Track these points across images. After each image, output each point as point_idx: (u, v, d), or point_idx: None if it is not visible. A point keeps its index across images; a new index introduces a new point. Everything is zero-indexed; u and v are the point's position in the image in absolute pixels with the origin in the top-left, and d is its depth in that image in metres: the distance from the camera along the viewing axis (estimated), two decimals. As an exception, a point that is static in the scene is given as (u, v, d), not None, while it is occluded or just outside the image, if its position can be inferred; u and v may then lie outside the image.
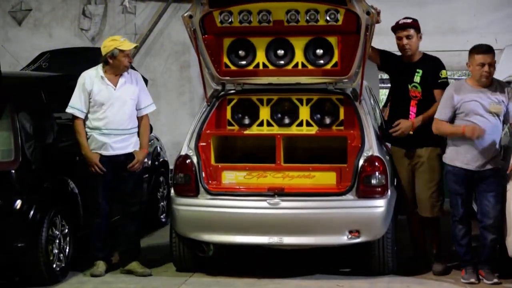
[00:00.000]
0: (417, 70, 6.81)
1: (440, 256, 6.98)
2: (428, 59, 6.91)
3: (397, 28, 6.81)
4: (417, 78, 6.80)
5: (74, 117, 6.78)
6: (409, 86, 6.82)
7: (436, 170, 6.80)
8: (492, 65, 6.45)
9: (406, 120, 6.79)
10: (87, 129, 6.77)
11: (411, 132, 6.75)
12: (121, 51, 6.75)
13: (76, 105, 6.76)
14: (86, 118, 6.78)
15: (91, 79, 6.78)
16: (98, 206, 6.79)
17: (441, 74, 6.81)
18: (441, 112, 6.52)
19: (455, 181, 6.57)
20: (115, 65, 6.78)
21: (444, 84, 6.75)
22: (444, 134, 6.60)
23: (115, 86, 6.80)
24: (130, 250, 7.03)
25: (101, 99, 6.74)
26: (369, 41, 6.61)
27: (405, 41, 6.77)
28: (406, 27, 6.78)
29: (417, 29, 6.82)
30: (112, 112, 6.75)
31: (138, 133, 6.96)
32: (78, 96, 6.77)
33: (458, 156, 6.53)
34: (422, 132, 6.73)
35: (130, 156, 6.87)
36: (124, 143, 6.84)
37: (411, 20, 6.83)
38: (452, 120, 6.52)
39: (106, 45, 6.81)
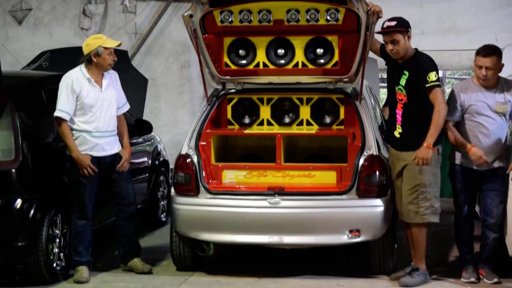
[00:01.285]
0: (404, 72, 6.37)
1: (414, 268, 6.52)
2: (417, 60, 6.39)
3: (382, 32, 6.41)
4: (402, 81, 6.37)
5: (59, 121, 6.59)
6: (396, 88, 6.47)
7: (420, 175, 6.34)
8: (490, 68, 6.40)
9: (419, 150, 6.26)
10: (74, 131, 6.63)
11: (434, 150, 6.29)
12: (106, 48, 6.66)
13: (64, 108, 6.57)
14: (72, 121, 6.62)
15: (79, 81, 6.63)
16: (85, 208, 6.68)
17: (429, 78, 6.25)
18: (450, 113, 6.43)
19: (460, 179, 6.56)
20: (99, 64, 6.67)
21: (433, 87, 6.26)
22: (451, 140, 6.50)
23: (101, 87, 6.72)
24: (130, 249, 7.04)
25: (90, 101, 6.63)
26: (369, 41, 6.60)
27: (390, 46, 6.34)
28: (390, 32, 6.33)
29: (403, 32, 6.31)
30: (102, 113, 6.68)
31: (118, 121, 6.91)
32: (65, 98, 6.58)
33: (464, 155, 6.53)
34: (409, 134, 6.43)
35: (116, 157, 6.83)
36: (112, 144, 6.80)
37: (394, 23, 6.33)
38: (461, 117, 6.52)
39: (90, 43, 6.69)
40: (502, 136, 6.51)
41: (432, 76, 6.28)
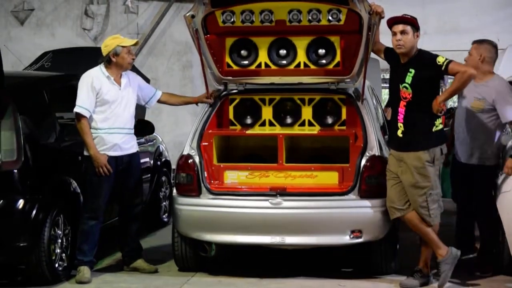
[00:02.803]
0: (410, 69, 6.29)
1: (419, 271, 6.46)
2: (420, 57, 6.35)
3: (393, 22, 6.35)
4: (408, 79, 6.28)
5: (79, 117, 6.67)
6: (400, 86, 6.39)
7: (425, 177, 6.26)
8: (472, 54, 6.77)
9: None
10: (92, 130, 6.70)
11: (444, 107, 6.27)
12: (124, 47, 6.75)
13: (84, 104, 6.66)
14: (91, 119, 6.72)
15: (99, 79, 6.73)
16: (98, 208, 6.72)
17: (439, 62, 6.20)
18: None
19: (453, 172, 6.78)
20: (119, 63, 6.76)
21: (448, 64, 6.16)
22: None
23: (120, 86, 6.81)
24: (134, 249, 7.06)
25: (110, 98, 6.72)
26: (371, 41, 6.59)
27: (399, 36, 6.25)
28: (402, 22, 6.29)
29: (415, 27, 6.30)
30: (120, 110, 6.76)
31: (165, 102, 7.31)
32: (86, 95, 6.67)
33: (456, 148, 6.77)
34: (410, 133, 6.34)
35: (133, 156, 6.89)
36: (130, 144, 6.87)
37: (409, 16, 6.35)
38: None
39: (108, 44, 6.78)
40: (481, 133, 6.64)
41: (440, 59, 6.25)
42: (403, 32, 6.29)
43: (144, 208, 8.37)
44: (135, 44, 6.93)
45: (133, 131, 6.93)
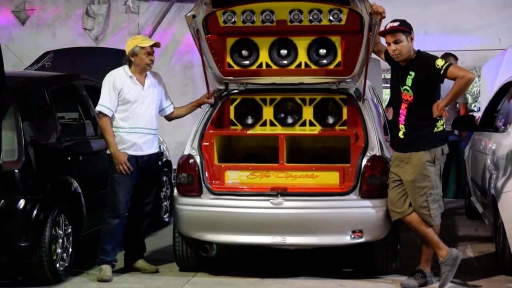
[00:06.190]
0: (410, 72, 6.31)
1: (419, 271, 6.46)
2: (419, 59, 6.35)
3: (385, 33, 6.36)
4: (408, 81, 6.30)
5: (100, 116, 6.76)
6: (401, 89, 6.40)
7: (426, 177, 6.29)
8: None
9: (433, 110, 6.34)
10: (114, 129, 6.76)
11: (444, 113, 6.35)
12: (142, 48, 6.78)
13: (106, 103, 6.74)
14: (112, 118, 6.77)
15: (121, 78, 6.80)
16: (119, 207, 6.74)
17: (438, 65, 6.21)
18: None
19: None
20: (137, 63, 6.81)
21: (447, 69, 6.17)
22: None
23: (143, 86, 6.86)
24: (136, 249, 7.08)
25: (132, 97, 6.77)
26: (372, 41, 6.59)
27: (393, 46, 6.28)
28: (393, 32, 6.28)
29: (406, 32, 6.27)
30: (141, 111, 6.81)
31: (175, 117, 7.20)
32: (107, 94, 6.75)
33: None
34: (412, 134, 6.35)
35: (152, 156, 6.93)
36: (150, 144, 6.90)
37: (397, 24, 6.29)
38: None
39: (128, 44, 6.87)
40: None
41: (439, 62, 6.26)
42: (396, 42, 6.30)
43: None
44: (155, 45, 6.89)
45: (155, 131, 6.96)
